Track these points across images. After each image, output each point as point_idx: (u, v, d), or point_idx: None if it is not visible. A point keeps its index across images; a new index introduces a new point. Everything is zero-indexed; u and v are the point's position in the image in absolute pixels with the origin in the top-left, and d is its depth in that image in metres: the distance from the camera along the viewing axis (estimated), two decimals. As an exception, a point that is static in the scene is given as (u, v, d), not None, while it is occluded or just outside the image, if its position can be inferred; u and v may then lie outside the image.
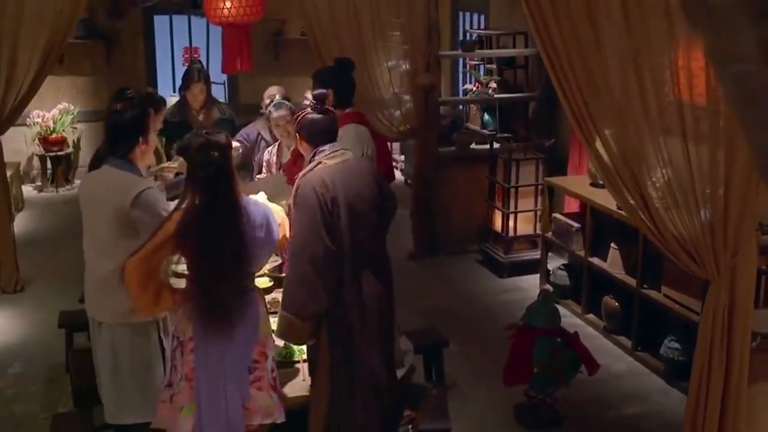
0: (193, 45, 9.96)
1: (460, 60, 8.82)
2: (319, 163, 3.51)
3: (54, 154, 9.28)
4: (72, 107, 9.34)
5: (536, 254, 6.81)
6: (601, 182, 5.91)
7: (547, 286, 6.44)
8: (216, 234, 3.35)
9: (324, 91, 3.79)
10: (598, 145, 3.14)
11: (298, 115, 3.66)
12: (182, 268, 3.75)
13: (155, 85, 9.47)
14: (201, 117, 5.70)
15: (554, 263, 6.63)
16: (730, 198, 3.15)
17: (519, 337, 4.54)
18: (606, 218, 5.76)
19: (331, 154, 3.53)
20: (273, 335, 3.66)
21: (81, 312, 5.37)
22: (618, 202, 3.36)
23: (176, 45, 9.92)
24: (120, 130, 3.70)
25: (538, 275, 6.70)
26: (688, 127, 3.08)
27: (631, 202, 3.20)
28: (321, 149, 3.55)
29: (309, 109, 3.63)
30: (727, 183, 3.13)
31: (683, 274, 4.93)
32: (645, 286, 5.28)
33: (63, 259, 7.21)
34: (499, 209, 6.87)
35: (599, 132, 3.09)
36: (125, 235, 3.64)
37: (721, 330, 3.38)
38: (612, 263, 5.64)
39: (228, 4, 4.64)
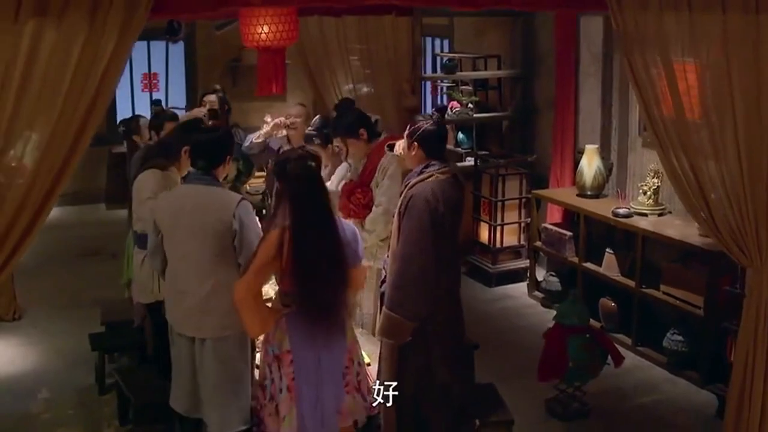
0: (152, 71, 9.99)
1: (423, 83, 9.18)
2: (431, 175, 3.81)
3: (14, 182, 9.09)
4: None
5: (521, 264, 7.24)
6: (589, 192, 6.43)
7: (537, 293, 6.88)
8: (315, 247, 3.53)
9: (445, 105, 4.14)
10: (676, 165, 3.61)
11: (415, 127, 3.90)
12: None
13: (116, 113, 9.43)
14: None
15: (538, 272, 7.06)
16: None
17: (552, 336, 4.89)
18: (599, 225, 6.23)
19: (442, 169, 3.84)
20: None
21: (104, 335, 5.47)
22: (683, 204, 3.80)
23: (135, 71, 9.92)
24: (212, 146, 3.86)
25: (524, 283, 7.14)
26: (741, 145, 3.54)
27: (695, 203, 3.65)
28: (433, 163, 3.85)
29: (426, 120, 3.89)
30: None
31: (682, 274, 5.46)
32: (644, 286, 5.75)
33: (48, 285, 7.17)
34: (486, 222, 7.25)
35: (676, 154, 3.55)
36: (225, 246, 3.76)
37: (765, 316, 3.82)
38: (608, 267, 6.09)
39: (266, 29, 4.84)
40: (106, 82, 2.77)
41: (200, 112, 5.47)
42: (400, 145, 4.12)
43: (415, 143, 3.91)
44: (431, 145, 3.90)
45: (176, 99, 9.93)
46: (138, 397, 4.51)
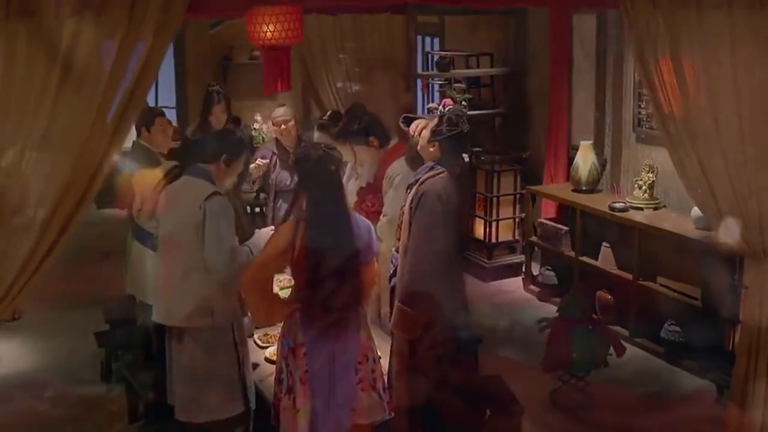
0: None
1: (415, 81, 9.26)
2: (442, 172, 3.88)
3: None
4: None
5: (517, 259, 7.34)
6: (584, 188, 6.54)
7: (533, 287, 6.99)
8: (327, 243, 3.57)
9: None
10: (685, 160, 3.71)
11: (440, 130, 3.95)
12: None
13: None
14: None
15: (533, 266, 7.15)
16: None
17: (556, 328, 4.99)
18: (594, 220, 6.33)
19: (452, 167, 3.92)
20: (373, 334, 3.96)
21: (110, 333, 5.49)
22: (691, 196, 3.91)
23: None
24: (210, 144, 4.01)
25: (519, 278, 7.24)
26: (747, 139, 3.65)
27: (703, 196, 3.76)
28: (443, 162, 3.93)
29: (455, 128, 3.94)
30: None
31: (679, 266, 5.58)
32: (641, 278, 5.86)
33: (46, 285, 6.93)
34: (481, 218, 7.34)
35: (684, 149, 3.65)
36: (196, 237, 3.86)
37: (768, 307, 3.93)
38: (604, 261, 6.20)
39: (271, 27, 4.87)
40: (142, 81, 2.82)
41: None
42: (418, 126, 4.16)
43: (437, 143, 3.97)
44: (450, 152, 3.97)
45: (166, 98, 9.91)
46: (149, 394, 4.54)
